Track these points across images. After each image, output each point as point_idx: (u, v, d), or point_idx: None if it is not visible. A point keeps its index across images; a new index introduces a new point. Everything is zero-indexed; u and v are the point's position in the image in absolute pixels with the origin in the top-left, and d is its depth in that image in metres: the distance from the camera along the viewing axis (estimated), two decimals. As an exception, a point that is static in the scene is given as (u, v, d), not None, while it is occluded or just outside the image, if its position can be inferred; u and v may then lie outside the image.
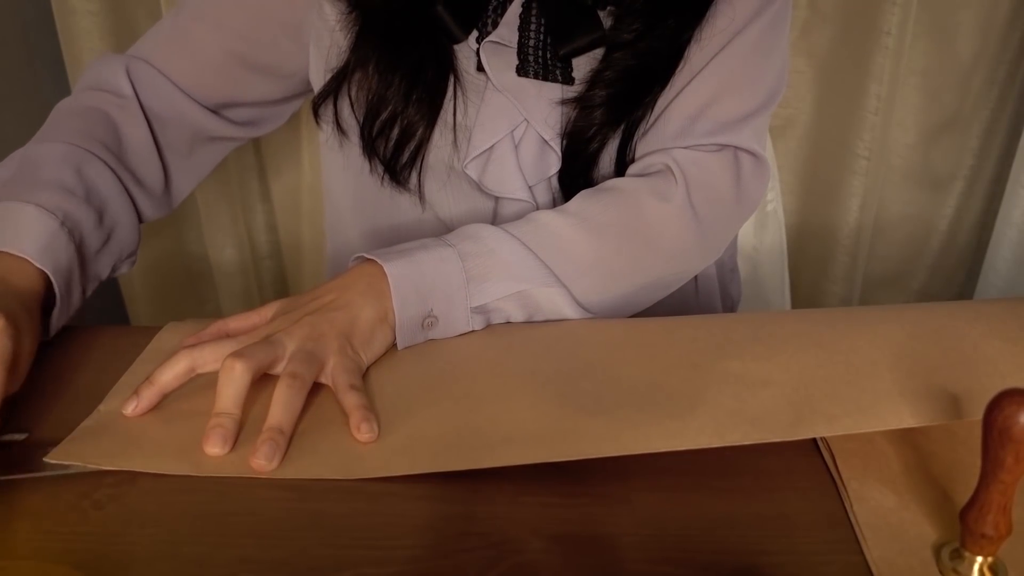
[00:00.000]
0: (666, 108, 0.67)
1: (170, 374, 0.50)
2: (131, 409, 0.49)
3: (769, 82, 0.68)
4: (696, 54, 0.65)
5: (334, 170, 0.74)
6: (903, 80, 1.15)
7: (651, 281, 0.65)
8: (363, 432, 0.47)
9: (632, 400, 0.49)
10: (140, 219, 0.68)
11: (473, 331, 0.58)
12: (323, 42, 0.67)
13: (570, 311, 0.60)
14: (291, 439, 0.47)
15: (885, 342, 0.52)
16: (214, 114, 0.71)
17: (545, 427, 0.47)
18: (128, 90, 0.67)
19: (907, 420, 0.46)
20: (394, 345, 0.56)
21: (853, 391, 0.48)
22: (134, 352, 0.56)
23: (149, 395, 0.50)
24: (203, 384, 0.51)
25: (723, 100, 0.66)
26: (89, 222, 0.58)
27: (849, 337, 0.53)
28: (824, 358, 0.51)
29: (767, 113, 0.69)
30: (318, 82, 0.70)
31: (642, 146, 0.68)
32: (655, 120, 0.67)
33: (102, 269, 0.61)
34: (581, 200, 0.64)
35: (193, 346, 0.52)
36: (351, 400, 0.49)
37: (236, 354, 0.49)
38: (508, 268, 0.58)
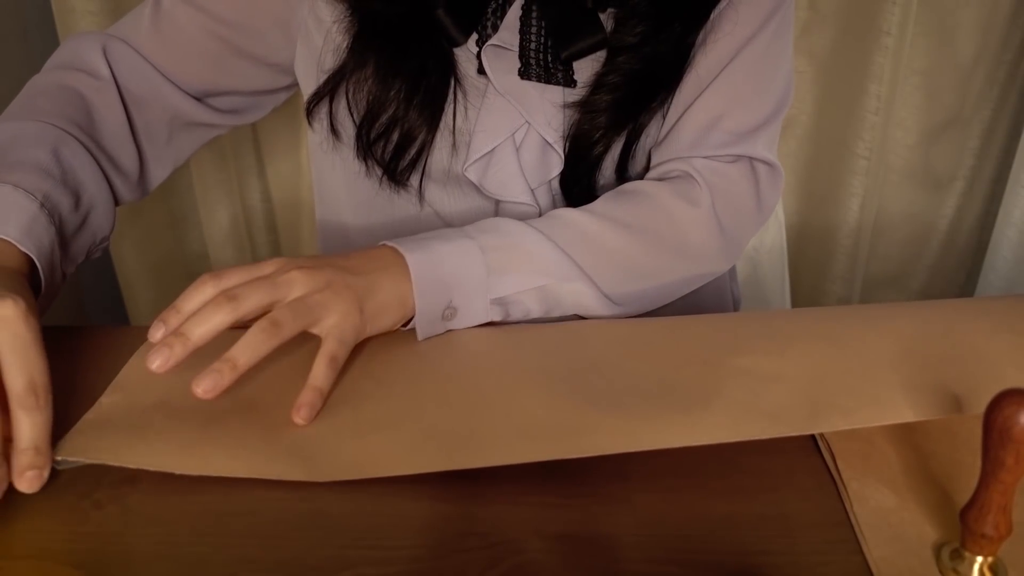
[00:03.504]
0: (678, 121, 0.67)
1: (196, 301, 0.49)
2: (160, 364, 0.46)
3: (778, 91, 0.69)
4: (704, 63, 0.66)
5: (326, 171, 0.73)
6: (903, 80, 1.15)
7: (674, 281, 0.65)
8: (300, 414, 0.47)
9: (645, 396, 0.49)
10: (116, 202, 0.66)
11: (480, 330, 0.57)
12: (314, 41, 0.67)
13: (595, 304, 0.59)
14: (240, 375, 0.47)
15: (895, 337, 0.52)
16: (196, 100, 0.70)
17: (559, 423, 0.47)
18: (105, 71, 0.65)
19: (925, 413, 0.46)
20: (411, 338, 0.56)
21: (867, 384, 0.48)
22: (134, 352, 0.56)
23: (182, 351, 0.47)
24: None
25: (735, 112, 0.67)
26: (66, 205, 0.56)
27: (858, 332, 0.53)
28: (835, 353, 0.51)
29: (778, 121, 0.69)
30: (305, 80, 0.69)
31: (656, 155, 0.69)
32: (668, 132, 0.68)
33: (79, 253, 0.60)
34: (606, 201, 0.64)
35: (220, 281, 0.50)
36: (317, 376, 0.49)
37: (228, 291, 0.48)
38: (531, 261, 0.58)
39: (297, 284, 0.51)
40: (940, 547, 0.41)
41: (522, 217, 0.66)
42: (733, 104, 0.66)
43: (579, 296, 0.59)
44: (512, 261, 0.57)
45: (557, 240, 0.59)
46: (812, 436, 0.49)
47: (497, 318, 0.58)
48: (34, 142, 0.57)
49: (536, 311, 0.59)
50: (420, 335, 0.55)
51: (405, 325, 0.57)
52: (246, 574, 0.40)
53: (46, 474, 0.44)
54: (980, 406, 0.46)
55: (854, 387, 0.48)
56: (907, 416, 0.46)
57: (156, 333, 0.48)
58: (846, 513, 0.44)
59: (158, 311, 0.51)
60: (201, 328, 0.47)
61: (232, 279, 0.50)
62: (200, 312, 0.48)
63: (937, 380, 0.48)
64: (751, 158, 0.68)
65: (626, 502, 0.45)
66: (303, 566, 0.41)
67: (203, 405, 0.48)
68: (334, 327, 0.51)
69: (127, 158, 0.66)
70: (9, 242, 0.50)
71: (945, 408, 0.47)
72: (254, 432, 0.47)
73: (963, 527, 0.39)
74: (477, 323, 0.57)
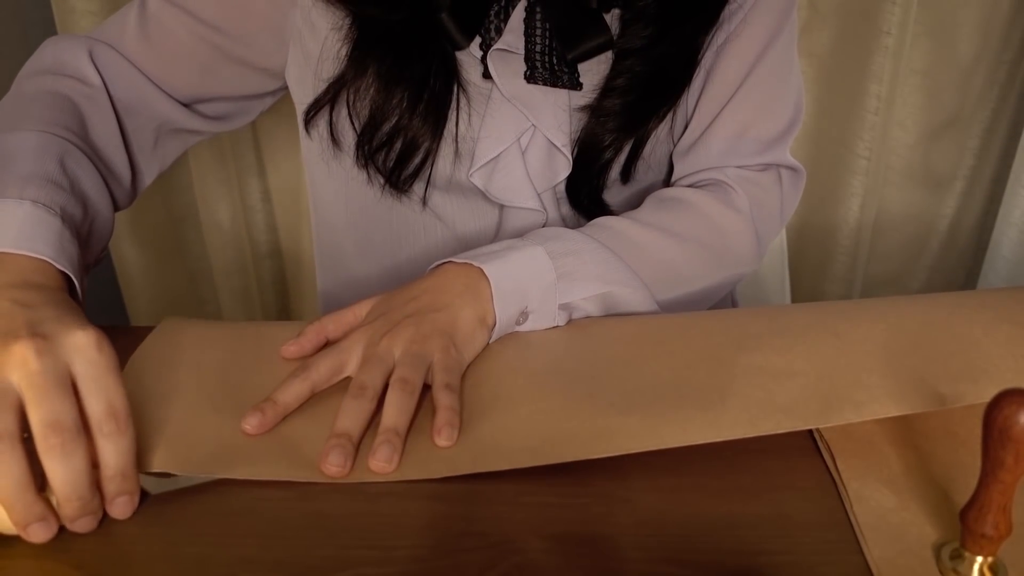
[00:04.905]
0: (704, 132, 0.68)
1: (292, 395, 0.50)
2: (253, 426, 0.48)
3: (794, 96, 0.70)
4: (723, 74, 0.67)
5: (321, 179, 0.72)
6: (903, 80, 1.15)
7: (714, 285, 0.67)
8: (443, 436, 0.47)
9: (662, 396, 0.49)
10: (115, 209, 0.64)
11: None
12: (308, 47, 0.65)
13: (646, 311, 0.61)
14: (405, 441, 0.48)
15: (899, 331, 0.53)
16: (184, 106, 0.69)
17: (581, 426, 0.47)
18: (95, 78, 0.64)
19: (932, 403, 0.47)
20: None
21: (875, 378, 0.49)
22: (133, 352, 0.56)
23: (274, 415, 0.49)
24: (216, 381, 0.52)
25: (760, 120, 0.68)
26: (78, 216, 0.55)
27: (863, 326, 0.54)
28: (842, 347, 0.52)
29: (799, 125, 0.71)
30: (298, 86, 0.68)
31: (684, 166, 0.70)
32: (693, 143, 0.69)
33: (89, 263, 0.59)
34: (651, 210, 0.65)
35: (307, 364, 0.51)
36: (443, 399, 0.49)
37: (356, 384, 0.49)
38: (594, 268, 0.58)
39: (395, 347, 0.52)
40: (940, 547, 0.41)
41: (529, 223, 0.67)
42: (758, 113, 0.68)
43: (635, 304, 0.60)
44: (578, 268, 0.58)
45: (613, 248, 0.60)
46: (812, 436, 0.50)
47: (562, 323, 0.58)
48: (39, 153, 0.56)
49: (595, 314, 0.60)
50: (493, 338, 0.56)
51: None
52: (246, 574, 0.40)
53: (136, 499, 0.44)
54: (981, 396, 0.47)
55: (863, 381, 0.49)
56: (916, 407, 0.47)
57: (251, 422, 0.48)
58: (846, 513, 0.44)
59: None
60: (352, 424, 0.48)
61: (329, 368, 0.52)
62: (345, 412, 0.49)
63: (941, 372, 0.49)
64: (778, 165, 0.70)
65: (626, 502, 0.45)
66: (303, 566, 0.41)
67: (222, 415, 0.49)
68: (438, 363, 0.51)
69: (120, 166, 0.65)
70: (46, 261, 0.49)
71: (950, 399, 0.47)
72: (272, 438, 0.48)
73: (963, 527, 0.39)
74: (544, 327, 0.58)
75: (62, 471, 0.40)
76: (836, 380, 0.49)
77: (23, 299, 0.45)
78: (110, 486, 0.42)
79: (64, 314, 0.45)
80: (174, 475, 0.46)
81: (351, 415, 0.48)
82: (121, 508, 0.43)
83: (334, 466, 0.46)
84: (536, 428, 0.48)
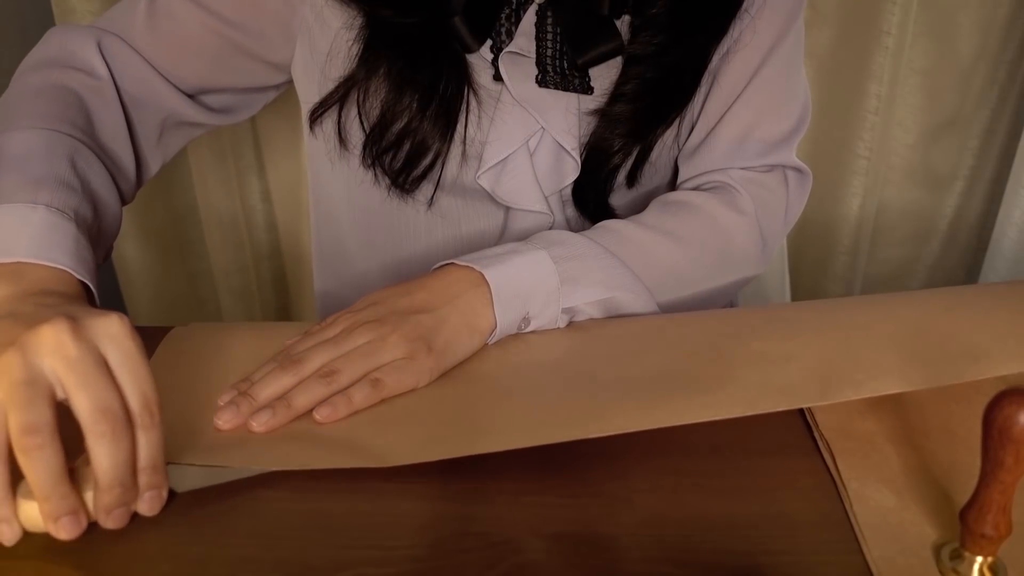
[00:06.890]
0: (709, 134, 0.68)
1: (271, 390, 0.50)
2: (225, 420, 0.48)
3: (801, 97, 0.70)
4: (728, 76, 0.67)
5: (324, 178, 0.72)
6: (903, 80, 1.15)
7: (718, 288, 0.66)
8: (320, 411, 0.48)
9: (661, 382, 0.49)
10: (122, 204, 0.64)
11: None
12: (318, 44, 0.65)
13: (647, 314, 0.61)
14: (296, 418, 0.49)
15: (900, 319, 0.53)
16: (189, 99, 0.68)
17: (578, 410, 0.48)
18: (103, 70, 0.63)
19: (932, 380, 0.47)
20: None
21: (875, 357, 0.49)
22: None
23: (247, 410, 0.49)
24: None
25: (765, 122, 0.68)
26: (89, 217, 0.55)
27: (864, 316, 0.54)
28: (843, 335, 0.52)
29: (805, 127, 0.71)
30: (305, 83, 0.68)
31: (688, 168, 0.70)
32: (698, 145, 0.69)
33: (100, 261, 0.58)
34: (656, 213, 0.65)
35: (295, 358, 0.51)
36: (354, 390, 0.49)
37: (291, 356, 0.51)
38: (598, 272, 0.58)
39: (360, 336, 0.52)
40: (940, 547, 0.41)
41: (535, 225, 0.66)
42: (763, 114, 0.68)
43: (637, 308, 0.60)
44: (581, 272, 0.58)
45: (616, 253, 0.60)
46: (812, 436, 0.50)
47: (563, 325, 0.58)
48: (50, 154, 0.55)
49: (597, 317, 0.60)
50: (491, 341, 0.56)
51: None
52: (246, 574, 0.41)
53: (164, 494, 0.43)
54: (982, 374, 0.47)
55: (863, 362, 0.49)
56: (915, 384, 0.47)
57: (224, 417, 0.49)
58: (846, 513, 0.44)
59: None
60: (267, 391, 0.49)
61: (299, 348, 0.53)
62: (266, 377, 0.50)
63: (943, 352, 0.49)
64: (784, 166, 0.70)
65: (626, 502, 0.45)
66: (303, 566, 0.41)
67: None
68: (392, 364, 0.51)
69: (126, 160, 0.65)
70: (66, 271, 0.49)
71: (950, 377, 0.47)
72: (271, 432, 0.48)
73: (963, 527, 0.39)
74: (546, 329, 0.58)
75: (110, 458, 0.40)
76: (835, 362, 0.49)
77: (46, 302, 0.45)
78: (142, 478, 0.42)
79: (89, 307, 0.45)
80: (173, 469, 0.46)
81: (268, 383, 0.49)
82: (150, 503, 0.43)
83: (219, 420, 0.48)
84: (533, 412, 0.48)
